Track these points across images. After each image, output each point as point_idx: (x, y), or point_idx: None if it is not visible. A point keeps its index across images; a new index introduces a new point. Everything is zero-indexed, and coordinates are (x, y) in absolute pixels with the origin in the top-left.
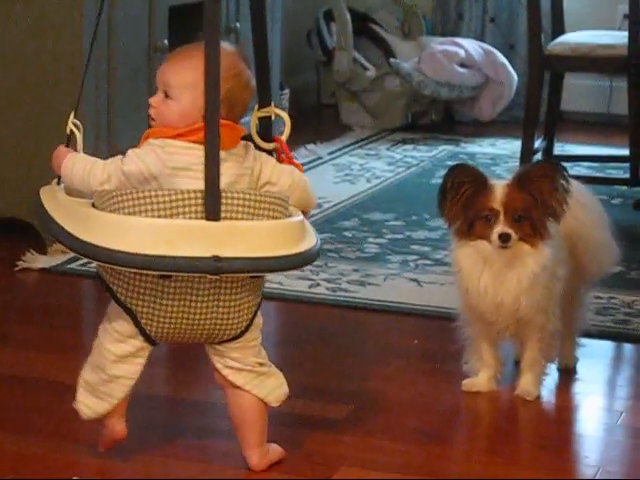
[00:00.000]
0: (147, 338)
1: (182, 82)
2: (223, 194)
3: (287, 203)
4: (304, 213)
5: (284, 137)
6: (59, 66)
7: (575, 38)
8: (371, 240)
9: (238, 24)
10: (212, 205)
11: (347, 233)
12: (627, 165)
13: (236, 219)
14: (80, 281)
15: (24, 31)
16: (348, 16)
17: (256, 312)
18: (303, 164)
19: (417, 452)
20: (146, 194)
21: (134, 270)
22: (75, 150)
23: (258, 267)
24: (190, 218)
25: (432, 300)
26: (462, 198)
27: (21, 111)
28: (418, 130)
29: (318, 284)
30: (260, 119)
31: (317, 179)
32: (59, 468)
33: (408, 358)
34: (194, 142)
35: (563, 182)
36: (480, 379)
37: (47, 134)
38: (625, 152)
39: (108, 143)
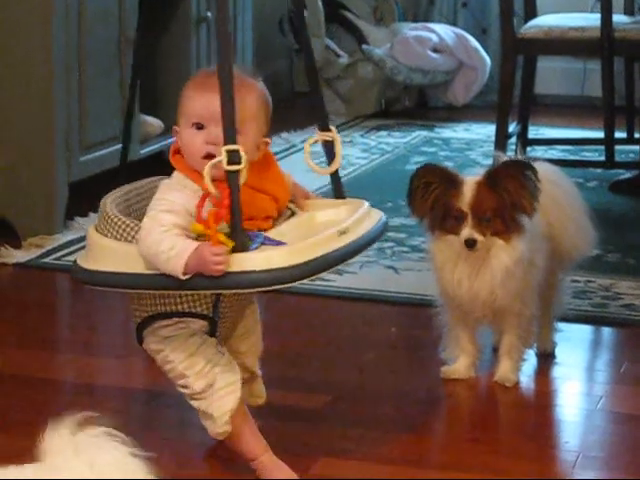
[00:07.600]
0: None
1: (248, 114)
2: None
3: None
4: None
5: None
6: (30, 68)
7: (547, 21)
8: None
9: (209, 13)
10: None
11: None
12: (602, 147)
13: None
14: (55, 275)
15: None
16: (320, 2)
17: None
18: (277, 153)
19: (397, 441)
20: None
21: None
22: None
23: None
24: None
25: (409, 287)
26: (430, 198)
27: None
28: (392, 116)
29: None
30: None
31: (291, 167)
32: None
33: (386, 346)
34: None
35: (531, 180)
36: (459, 366)
37: (15, 128)
38: (600, 134)
39: (80, 136)
